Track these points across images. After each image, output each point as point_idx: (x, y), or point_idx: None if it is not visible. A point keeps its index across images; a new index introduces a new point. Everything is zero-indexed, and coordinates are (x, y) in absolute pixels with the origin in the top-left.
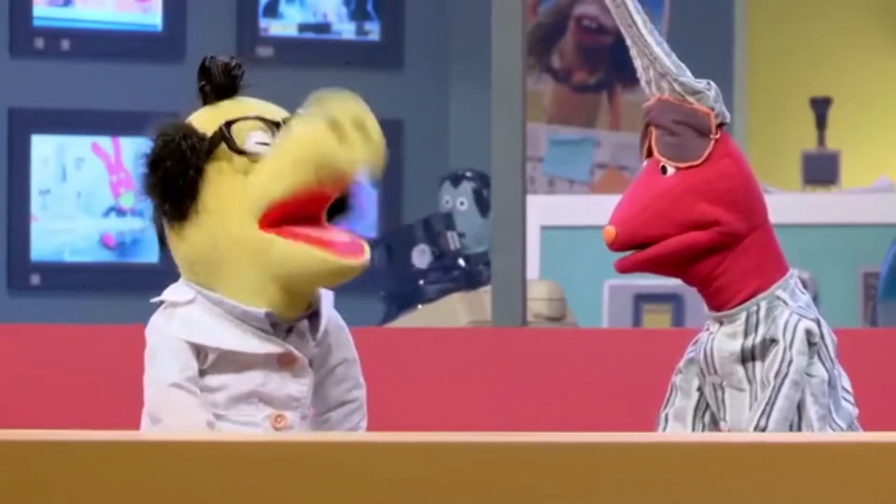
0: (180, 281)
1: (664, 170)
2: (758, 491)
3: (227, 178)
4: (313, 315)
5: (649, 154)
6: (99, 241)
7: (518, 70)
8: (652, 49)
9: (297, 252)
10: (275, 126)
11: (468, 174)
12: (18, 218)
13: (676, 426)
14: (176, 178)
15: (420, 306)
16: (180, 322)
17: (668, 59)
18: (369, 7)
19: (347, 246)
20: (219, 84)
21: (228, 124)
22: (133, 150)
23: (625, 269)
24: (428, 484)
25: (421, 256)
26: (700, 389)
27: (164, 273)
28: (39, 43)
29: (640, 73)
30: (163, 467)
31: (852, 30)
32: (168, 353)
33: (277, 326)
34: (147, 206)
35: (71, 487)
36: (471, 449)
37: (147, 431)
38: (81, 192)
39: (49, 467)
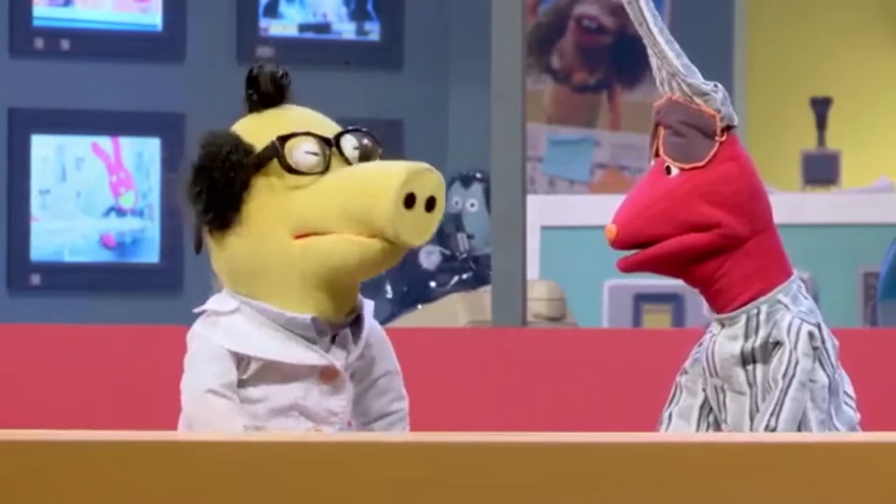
0: (223, 291)
1: (668, 170)
2: (758, 491)
3: (273, 193)
4: (356, 322)
5: (657, 154)
6: (99, 241)
7: (518, 70)
8: (661, 48)
9: (335, 245)
10: (325, 142)
11: (478, 175)
12: (18, 218)
13: (680, 424)
14: (221, 190)
15: (420, 306)
16: (224, 331)
17: (678, 60)
18: (369, 7)
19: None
20: (266, 93)
21: (282, 140)
22: (133, 150)
23: (626, 268)
24: (428, 484)
25: (429, 257)
26: (705, 389)
27: (164, 273)
28: (39, 43)
29: (654, 71)
30: (163, 467)
31: (852, 30)
32: (207, 360)
33: (322, 335)
34: (187, 211)
35: (70, 487)
36: (470, 449)
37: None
38: (81, 192)
39: (48, 467)
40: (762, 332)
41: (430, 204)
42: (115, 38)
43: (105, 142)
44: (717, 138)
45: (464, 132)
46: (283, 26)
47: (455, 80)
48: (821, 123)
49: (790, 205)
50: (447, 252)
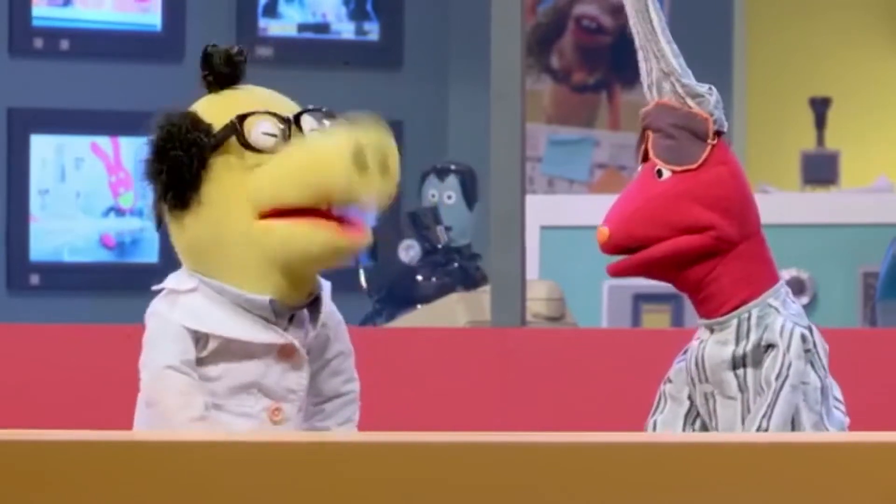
0: (182, 270)
1: (660, 173)
2: (758, 491)
3: (232, 172)
4: (314, 303)
5: (644, 158)
6: (98, 241)
7: (517, 70)
8: (661, 46)
9: (298, 232)
10: (284, 121)
11: (453, 167)
12: (18, 218)
13: (665, 432)
14: (180, 169)
15: (419, 306)
16: (183, 309)
17: (675, 60)
18: (368, 7)
19: (348, 224)
20: (221, 73)
21: (241, 118)
22: (132, 149)
23: (617, 272)
24: (427, 484)
25: (407, 252)
26: (691, 398)
27: (164, 273)
28: (39, 43)
29: (643, 75)
30: (162, 467)
31: (851, 30)
32: (167, 338)
33: (280, 316)
34: (148, 191)
35: (69, 487)
36: (470, 449)
37: (142, 418)
38: (81, 192)
39: (48, 467)
40: (753, 336)
41: (384, 167)
42: (114, 37)
43: (104, 142)
44: (709, 141)
45: (463, 132)
46: (282, 26)
47: (454, 80)
48: (820, 123)
49: (789, 205)
50: (427, 245)
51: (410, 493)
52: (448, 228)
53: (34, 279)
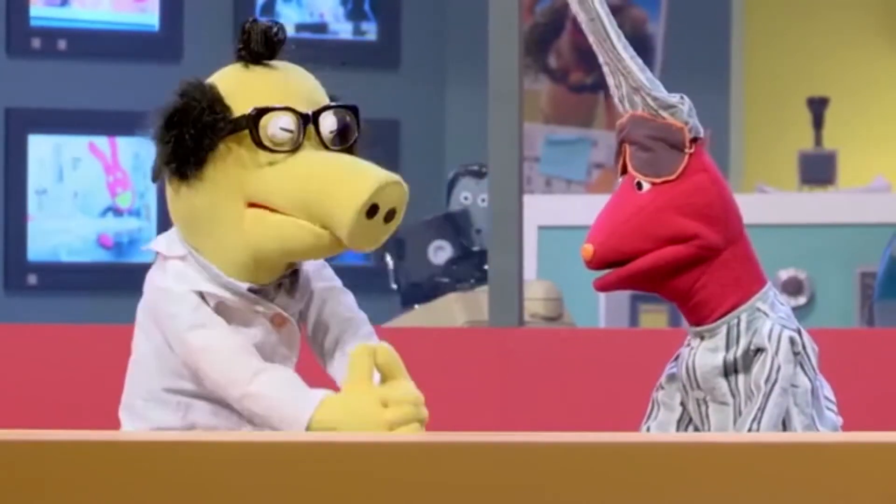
0: (172, 232)
1: (639, 185)
2: (758, 491)
3: (239, 162)
4: (295, 272)
5: (623, 171)
6: (96, 240)
7: (515, 70)
8: (626, 63)
9: (286, 229)
10: (303, 117)
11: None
12: (15, 218)
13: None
14: (188, 146)
15: (416, 306)
16: (174, 274)
17: (642, 74)
18: (366, 7)
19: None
20: (256, 52)
21: (260, 112)
22: (130, 149)
23: (604, 287)
24: (425, 484)
25: (437, 253)
26: (683, 404)
27: None
28: (36, 43)
29: (612, 90)
30: (161, 467)
31: (849, 29)
32: (174, 303)
33: (261, 295)
34: (151, 147)
35: (65, 487)
36: (468, 449)
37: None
38: (78, 191)
39: (45, 467)
40: (743, 341)
41: (390, 215)
42: (112, 37)
43: (102, 142)
44: (685, 150)
45: (461, 132)
46: None
47: (452, 80)
48: (818, 123)
49: (787, 204)
50: (468, 246)
51: (408, 493)
52: (478, 231)
53: (32, 279)
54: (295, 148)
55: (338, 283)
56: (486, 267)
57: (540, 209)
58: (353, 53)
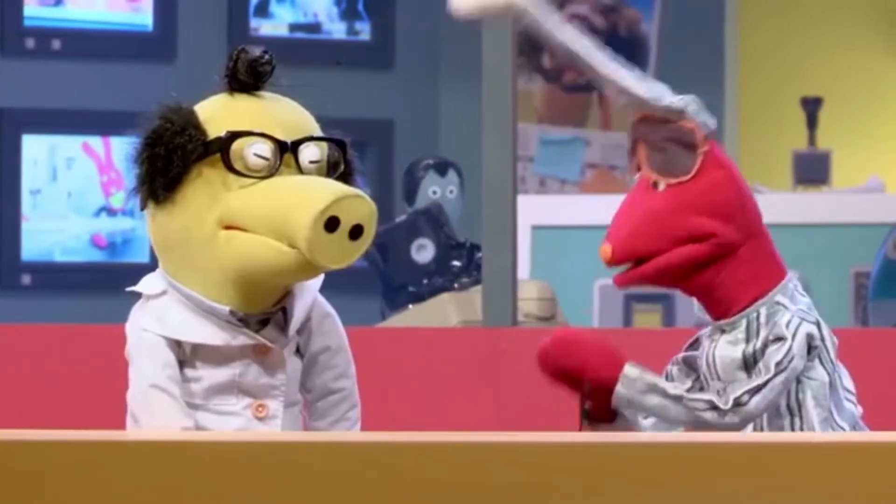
0: (157, 271)
1: (656, 185)
2: (758, 491)
3: (210, 184)
4: (286, 310)
5: (638, 169)
6: (90, 241)
7: (508, 70)
8: (625, 84)
9: (257, 247)
10: (279, 144)
11: (451, 161)
12: (9, 218)
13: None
14: (160, 168)
15: (410, 306)
16: (154, 316)
17: (643, 87)
18: (360, 7)
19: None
20: (242, 80)
21: (234, 135)
22: (124, 149)
23: (624, 283)
24: (418, 484)
25: (420, 252)
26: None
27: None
28: (30, 43)
29: (617, 100)
30: (160, 467)
31: (843, 30)
32: (146, 352)
33: (244, 323)
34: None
35: (61, 487)
36: (461, 449)
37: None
38: (72, 191)
39: (41, 467)
40: (763, 334)
41: (356, 232)
42: (106, 37)
43: (96, 142)
44: (699, 150)
45: (454, 132)
46: (273, 26)
47: (446, 80)
48: (811, 123)
49: (781, 205)
50: (453, 241)
51: (401, 492)
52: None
53: (25, 279)
54: (270, 174)
55: (336, 342)
56: (476, 257)
57: (534, 209)
58: (348, 53)
